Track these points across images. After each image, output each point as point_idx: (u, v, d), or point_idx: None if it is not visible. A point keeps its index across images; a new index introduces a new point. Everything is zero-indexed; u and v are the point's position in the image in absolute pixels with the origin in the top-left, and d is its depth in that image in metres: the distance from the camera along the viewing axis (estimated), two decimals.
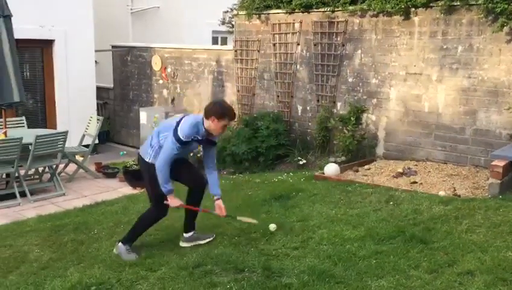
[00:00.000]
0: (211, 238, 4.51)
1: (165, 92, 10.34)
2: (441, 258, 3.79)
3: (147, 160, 4.22)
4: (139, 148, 9.98)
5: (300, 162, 7.41)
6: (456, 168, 6.25)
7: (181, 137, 4.03)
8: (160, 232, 4.83)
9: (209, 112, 4.08)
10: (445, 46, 6.43)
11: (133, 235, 4.37)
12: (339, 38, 7.42)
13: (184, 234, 4.50)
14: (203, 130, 4.13)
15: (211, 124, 4.09)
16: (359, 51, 7.26)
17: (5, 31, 6.81)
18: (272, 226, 4.51)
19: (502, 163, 5.16)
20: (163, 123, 4.48)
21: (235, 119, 5.11)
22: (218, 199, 4.38)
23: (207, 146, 4.34)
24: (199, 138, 4.15)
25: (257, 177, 6.98)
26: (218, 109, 4.09)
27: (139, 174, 7.44)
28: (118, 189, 7.33)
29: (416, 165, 6.52)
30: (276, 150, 7.69)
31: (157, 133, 4.21)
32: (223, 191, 6.17)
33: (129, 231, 4.42)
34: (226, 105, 4.26)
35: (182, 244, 4.47)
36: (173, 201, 4.22)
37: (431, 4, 6.44)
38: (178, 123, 4.10)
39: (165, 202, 4.22)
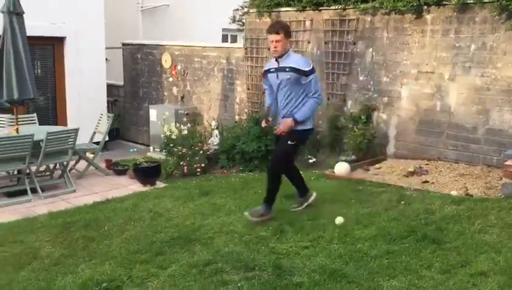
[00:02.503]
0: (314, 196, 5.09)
1: (174, 89, 10.35)
2: (454, 258, 3.75)
3: None
4: (149, 145, 10.11)
5: (310, 161, 7.38)
6: (468, 168, 6.19)
7: None
8: (170, 230, 4.83)
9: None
10: (457, 45, 6.36)
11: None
12: (350, 37, 7.38)
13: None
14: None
15: None
16: (370, 49, 7.21)
17: (18, 28, 6.85)
18: (339, 220, 4.59)
19: None
20: None
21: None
22: (289, 117, 4.67)
23: None
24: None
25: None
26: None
27: (149, 172, 7.53)
28: (128, 186, 7.34)
29: (427, 164, 6.47)
30: None
31: None
32: (232, 188, 6.22)
33: None
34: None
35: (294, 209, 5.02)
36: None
37: (444, 2, 6.37)
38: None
39: None
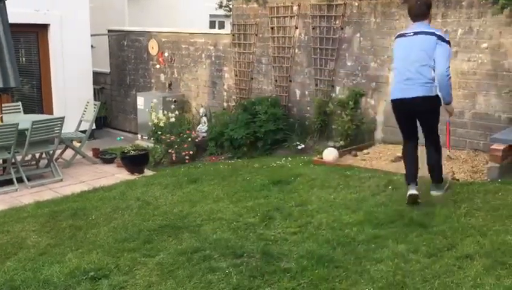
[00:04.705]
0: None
1: (162, 76, 10.26)
2: (440, 242, 3.78)
3: (434, 94, 4.37)
4: (136, 133, 10.04)
5: (299, 147, 7.38)
6: (455, 152, 6.22)
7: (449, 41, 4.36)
8: (158, 218, 4.81)
9: (429, 12, 4.51)
10: (444, 29, 6.35)
11: (440, 175, 4.69)
12: (337, 22, 7.34)
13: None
14: None
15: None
16: (358, 35, 7.19)
17: (0, 15, 6.72)
18: None
19: (501, 147, 5.14)
20: (409, 55, 4.47)
21: None
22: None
23: None
24: None
25: (255, 162, 6.96)
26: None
27: (137, 160, 7.49)
28: (116, 174, 7.30)
29: None
30: (275, 135, 7.66)
31: (425, 62, 4.31)
32: (221, 176, 6.20)
33: (434, 175, 4.69)
34: None
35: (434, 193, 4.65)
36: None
37: None
38: (434, 34, 4.31)
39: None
